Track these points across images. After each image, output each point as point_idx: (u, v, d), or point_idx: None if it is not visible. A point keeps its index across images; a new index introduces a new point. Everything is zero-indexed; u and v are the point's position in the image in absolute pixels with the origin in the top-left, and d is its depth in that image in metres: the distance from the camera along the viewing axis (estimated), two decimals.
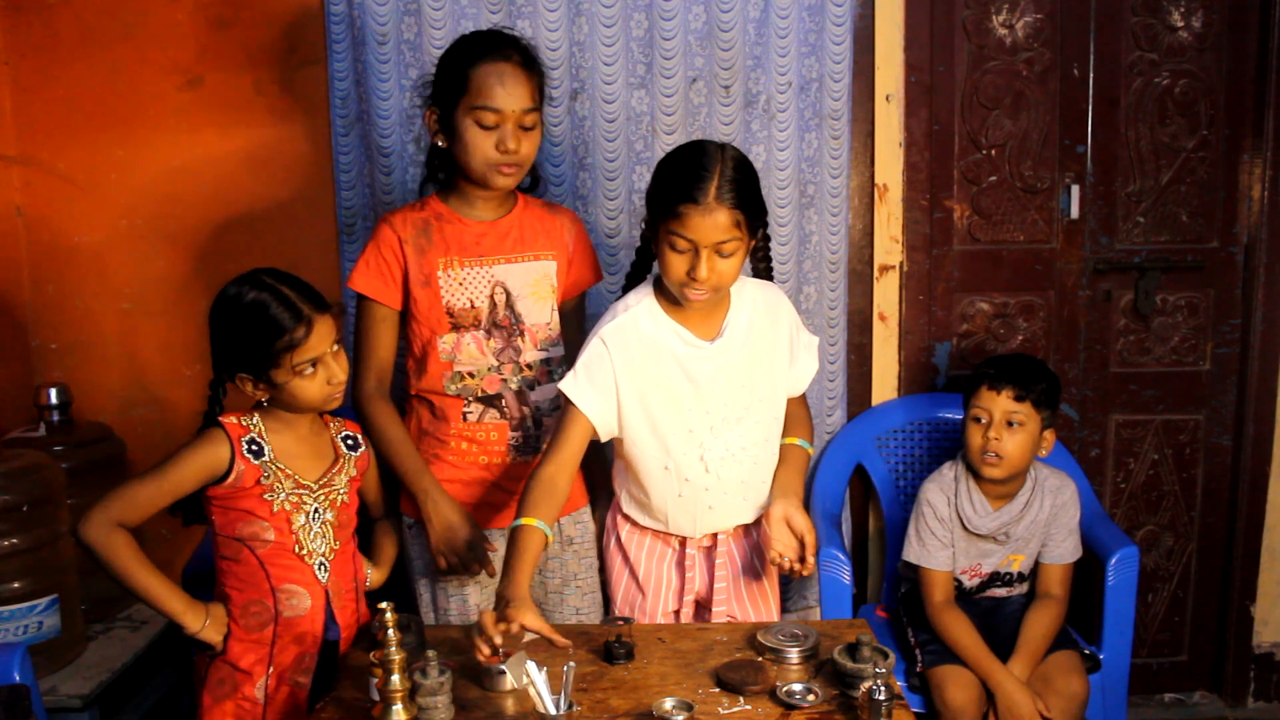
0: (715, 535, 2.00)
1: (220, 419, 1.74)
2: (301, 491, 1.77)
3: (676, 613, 2.04)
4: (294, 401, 1.74)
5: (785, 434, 2.02)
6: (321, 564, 1.78)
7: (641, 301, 1.91)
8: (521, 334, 2.01)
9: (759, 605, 2.05)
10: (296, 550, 1.76)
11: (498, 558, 1.95)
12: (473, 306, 1.98)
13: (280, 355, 1.69)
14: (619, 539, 2.06)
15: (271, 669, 1.76)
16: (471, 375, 2.00)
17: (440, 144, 1.96)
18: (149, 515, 1.71)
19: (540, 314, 2.03)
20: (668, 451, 1.91)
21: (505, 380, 2.01)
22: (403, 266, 1.96)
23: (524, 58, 1.92)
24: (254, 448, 1.73)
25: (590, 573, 2.12)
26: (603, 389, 1.87)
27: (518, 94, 1.89)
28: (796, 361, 1.99)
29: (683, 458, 1.91)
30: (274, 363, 1.69)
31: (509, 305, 2.00)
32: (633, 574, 2.04)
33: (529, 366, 2.02)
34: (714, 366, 1.90)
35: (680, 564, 2.02)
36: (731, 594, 2.02)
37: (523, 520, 1.74)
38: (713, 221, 1.75)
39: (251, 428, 1.75)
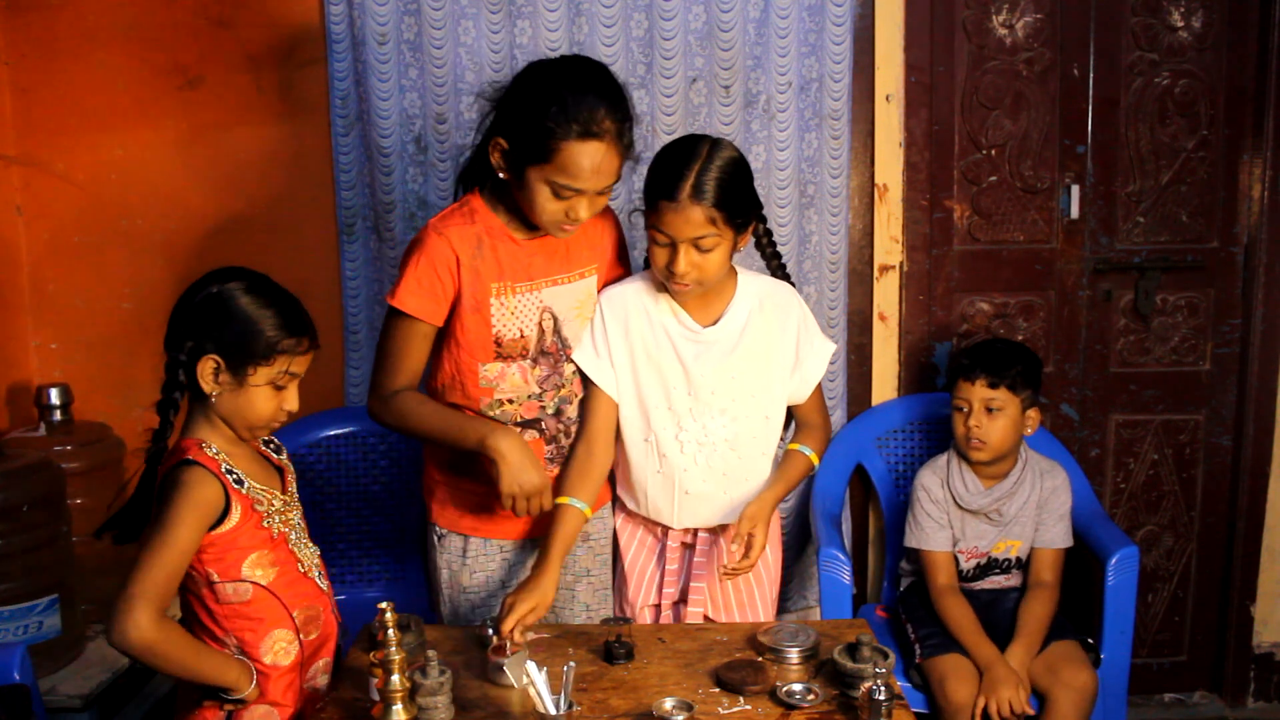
0: (696, 532, 2.01)
1: (191, 456, 1.58)
2: (285, 508, 1.69)
3: (656, 606, 2.04)
4: (240, 410, 1.61)
5: (794, 439, 2.02)
6: (319, 573, 1.73)
7: (648, 276, 1.96)
8: (567, 359, 1.94)
9: (747, 610, 2.04)
10: (300, 569, 1.68)
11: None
12: (522, 336, 1.88)
13: (277, 355, 1.60)
14: (614, 526, 2.09)
15: (304, 687, 1.70)
16: (511, 401, 1.91)
17: (501, 176, 1.80)
18: (176, 591, 1.58)
19: (583, 334, 1.97)
20: (649, 423, 1.94)
21: (544, 406, 1.94)
22: (457, 288, 1.83)
23: (619, 126, 1.73)
24: (234, 476, 1.61)
25: (604, 570, 2.10)
26: (603, 353, 1.93)
27: (606, 173, 1.74)
28: (801, 366, 1.98)
29: (662, 432, 1.94)
30: (266, 359, 1.59)
31: (556, 331, 1.92)
32: (620, 562, 2.07)
33: (568, 383, 1.96)
34: (703, 352, 1.92)
35: (661, 556, 2.03)
36: (719, 596, 2.02)
37: (558, 499, 1.86)
38: (685, 218, 1.78)
39: (217, 458, 1.60)
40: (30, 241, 2.64)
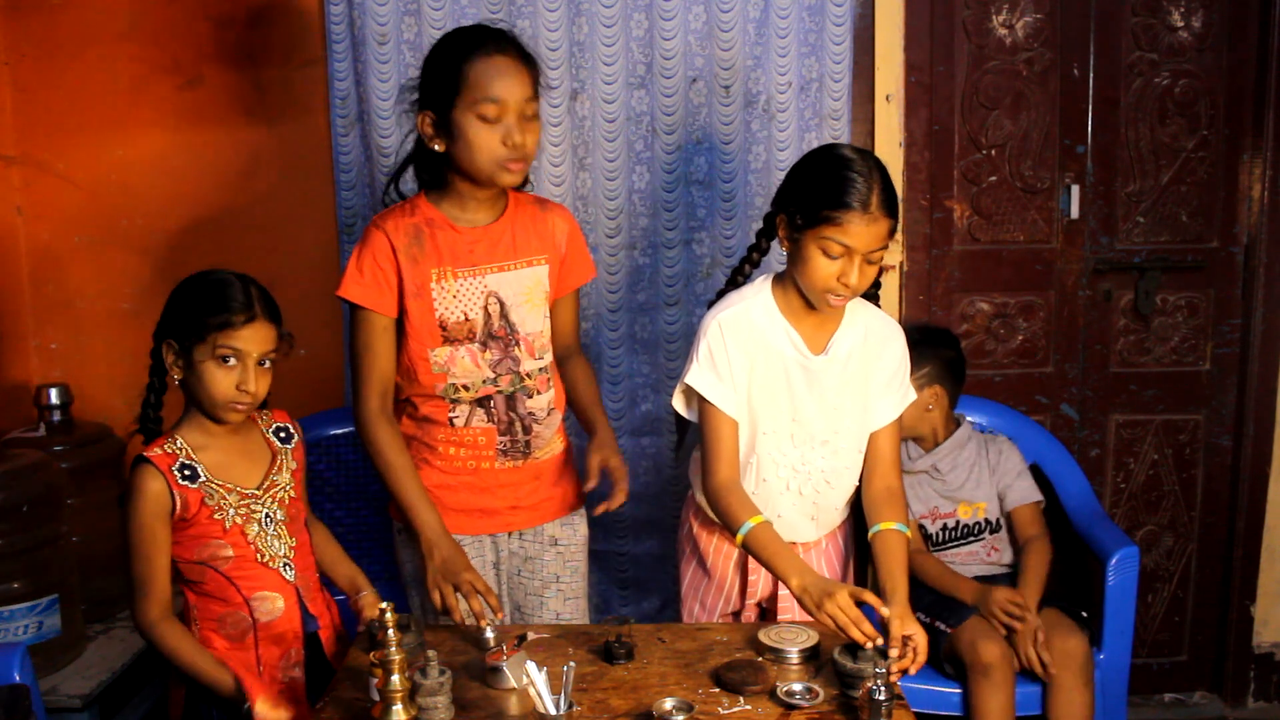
0: None
1: (144, 453, 1.70)
2: (248, 502, 1.75)
3: (736, 613, 2.03)
4: (198, 391, 1.71)
5: (879, 514, 1.91)
6: (286, 564, 1.78)
7: (759, 295, 1.90)
8: (518, 343, 1.95)
9: None
10: (259, 559, 1.75)
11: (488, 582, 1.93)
12: (466, 319, 1.90)
13: (209, 331, 1.68)
14: (691, 531, 2.06)
15: (262, 671, 1.76)
16: (466, 388, 1.93)
17: (438, 149, 1.85)
18: (168, 585, 1.72)
19: (535, 322, 1.97)
20: (753, 447, 1.91)
21: (499, 390, 1.94)
22: (398, 275, 1.87)
23: (518, 49, 1.85)
24: (186, 472, 1.70)
25: (575, 578, 2.08)
26: (725, 375, 1.87)
27: (519, 83, 1.81)
28: (881, 401, 1.93)
29: (765, 456, 1.91)
30: (200, 336, 1.69)
31: (504, 315, 1.93)
32: (701, 565, 2.05)
33: (528, 375, 1.96)
34: (813, 381, 1.88)
35: (743, 565, 2.01)
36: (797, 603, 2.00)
37: (750, 522, 1.80)
38: (875, 231, 1.74)
39: (178, 452, 1.71)
40: (30, 241, 2.64)
